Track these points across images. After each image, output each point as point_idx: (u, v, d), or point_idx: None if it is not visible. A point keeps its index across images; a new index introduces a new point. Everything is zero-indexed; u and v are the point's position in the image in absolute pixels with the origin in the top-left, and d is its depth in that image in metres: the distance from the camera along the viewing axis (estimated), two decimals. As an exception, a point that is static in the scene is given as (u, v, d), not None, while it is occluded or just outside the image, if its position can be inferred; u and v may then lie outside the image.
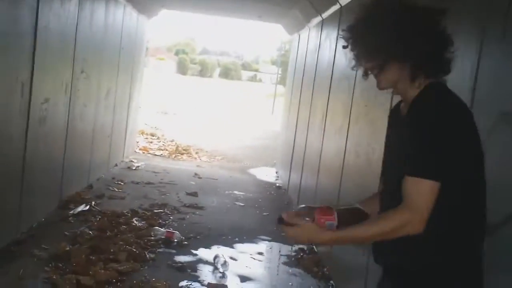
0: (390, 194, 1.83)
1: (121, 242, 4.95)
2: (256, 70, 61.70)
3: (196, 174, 9.05)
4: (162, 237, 5.28)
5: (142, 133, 11.83)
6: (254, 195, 7.94)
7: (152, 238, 5.27)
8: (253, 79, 57.86)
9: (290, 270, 4.93)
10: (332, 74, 5.53)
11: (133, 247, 4.90)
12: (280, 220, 1.88)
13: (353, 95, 4.54)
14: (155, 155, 10.84)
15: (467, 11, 2.65)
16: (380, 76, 1.85)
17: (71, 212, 5.70)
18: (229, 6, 8.58)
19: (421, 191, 1.67)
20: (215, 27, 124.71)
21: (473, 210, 1.77)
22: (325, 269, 4.89)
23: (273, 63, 46.58)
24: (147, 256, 4.80)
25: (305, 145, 6.92)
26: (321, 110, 6.02)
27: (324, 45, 6.29)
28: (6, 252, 4.42)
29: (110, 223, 5.52)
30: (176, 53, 61.32)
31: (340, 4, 5.44)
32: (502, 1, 2.34)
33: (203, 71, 59.91)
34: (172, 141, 12.38)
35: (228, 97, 29.37)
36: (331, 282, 4.65)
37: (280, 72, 37.72)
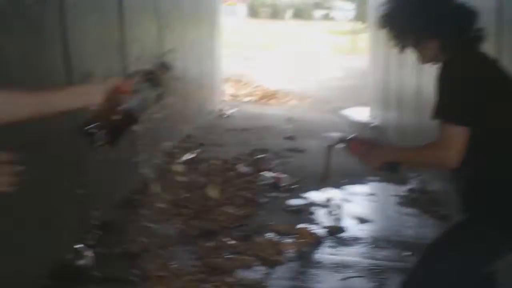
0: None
1: (232, 188, 5.02)
2: (329, 8, 60.19)
3: (288, 118, 8.99)
4: (271, 181, 5.30)
5: (228, 80, 11.84)
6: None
7: (261, 183, 5.30)
8: (326, 17, 56.58)
9: (406, 211, 4.83)
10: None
11: (245, 192, 4.95)
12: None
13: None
14: (244, 101, 10.85)
15: None
16: (419, 53, 2.11)
17: (178, 160, 5.81)
18: None
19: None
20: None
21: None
22: (443, 209, 4.76)
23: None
24: (260, 200, 4.84)
25: (401, 82, 6.67)
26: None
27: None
28: (129, 201, 4.57)
29: (218, 170, 5.59)
30: (247, -4, 60.62)
31: None
32: None
33: (275, 13, 59.11)
34: (258, 86, 12.33)
35: (303, 37, 28.91)
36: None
37: (355, 8, 36.47)
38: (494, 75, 2.04)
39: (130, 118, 1.55)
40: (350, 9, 39.88)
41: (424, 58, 2.14)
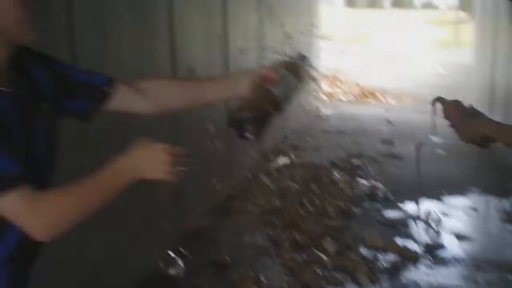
0: None
1: (326, 197, 4.94)
2: (431, -4, 58.11)
3: (386, 119, 8.73)
4: (367, 190, 5.17)
5: (324, 77, 11.68)
6: (454, 141, 7.44)
7: (356, 191, 5.18)
8: (427, 6, 54.63)
9: (510, 228, 4.55)
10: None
11: (339, 201, 4.86)
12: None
13: None
14: (341, 100, 10.68)
15: None
16: None
17: (272, 164, 5.81)
18: None
19: None
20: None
21: None
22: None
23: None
24: (355, 211, 4.74)
25: (509, 80, 6.27)
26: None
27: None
28: (221, 208, 4.61)
29: (312, 176, 5.53)
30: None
31: None
32: None
33: (373, 1, 57.76)
34: (355, 83, 12.09)
35: (402, 28, 28.05)
36: None
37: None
38: None
39: (277, 107, 1.53)
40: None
41: None
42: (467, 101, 2.13)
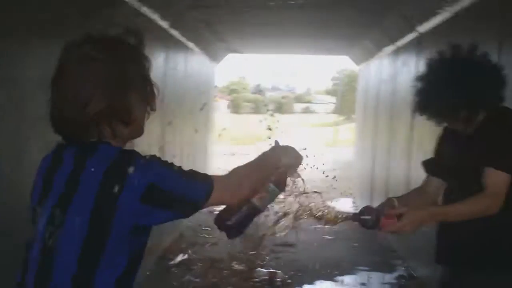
0: (463, 189, 2.21)
1: (229, 287, 5.07)
2: (309, 102, 61.87)
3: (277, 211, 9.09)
4: (266, 277, 5.37)
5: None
6: (339, 227, 7.89)
7: (257, 279, 5.36)
8: (306, 110, 58.01)
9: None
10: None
11: (241, 290, 5.01)
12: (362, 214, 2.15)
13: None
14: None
15: None
16: (469, 123, 2.23)
17: (171, 262, 5.87)
18: (299, 43, 8.75)
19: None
20: (265, 64, 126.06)
21: None
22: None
23: (328, 93, 46.72)
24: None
25: (387, 173, 6.92)
26: (404, 137, 6.02)
27: (401, 73, 6.34)
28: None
29: (212, 269, 5.65)
30: (229, 93, 62.22)
31: (419, 32, 5.51)
32: None
33: (257, 108, 60.43)
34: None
35: (285, 130, 29.53)
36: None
37: (335, 101, 37.73)
38: None
39: (258, 213, 1.80)
40: (330, 102, 41.15)
41: (470, 126, 2.25)
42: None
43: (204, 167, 9.25)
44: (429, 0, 4.78)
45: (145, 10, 4.97)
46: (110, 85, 1.49)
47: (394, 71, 6.71)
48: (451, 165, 2.35)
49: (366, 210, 2.17)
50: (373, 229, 2.14)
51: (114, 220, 1.45)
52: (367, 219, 2.13)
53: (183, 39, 6.78)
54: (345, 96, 32.96)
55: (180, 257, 6.04)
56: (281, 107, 60.13)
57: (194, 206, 1.56)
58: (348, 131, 11.33)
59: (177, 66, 6.61)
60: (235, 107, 57.75)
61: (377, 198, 7.56)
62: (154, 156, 1.54)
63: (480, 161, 2.16)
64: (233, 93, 62.51)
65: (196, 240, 6.93)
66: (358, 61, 9.74)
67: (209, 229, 7.68)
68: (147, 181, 1.46)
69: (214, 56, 9.42)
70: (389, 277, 5.43)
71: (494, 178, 2.11)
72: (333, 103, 39.18)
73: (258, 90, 69.71)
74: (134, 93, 1.55)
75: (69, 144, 1.55)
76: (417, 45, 5.59)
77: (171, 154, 6.38)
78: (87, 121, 1.48)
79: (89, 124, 1.49)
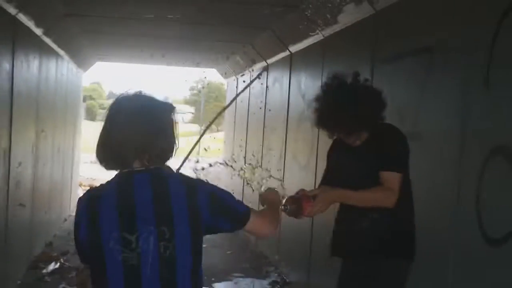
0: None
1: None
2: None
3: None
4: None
5: (81, 185, 11.73)
6: (210, 236, 8.13)
7: None
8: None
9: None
10: (287, 115, 5.96)
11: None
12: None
13: (318, 132, 4.93)
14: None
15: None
16: (353, 137, 2.65)
17: (44, 271, 5.71)
18: (168, 55, 8.86)
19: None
20: (120, 71, 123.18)
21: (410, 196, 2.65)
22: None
23: (186, 102, 46.89)
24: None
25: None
26: (278, 149, 6.37)
27: (273, 89, 6.72)
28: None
29: (87, 277, 5.58)
30: (84, 100, 60.02)
31: (290, 52, 5.91)
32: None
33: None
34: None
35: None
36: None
37: (193, 111, 37.99)
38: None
39: None
40: (188, 111, 41.27)
41: (355, 139, 2.66)
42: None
43: (71, 176, 9.02)
44: (302, 23, 5.14)
45: (21, 16, 4.85)
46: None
47: (266, 87, 7.08)
48: (342, 172, 2.73)
49: (287, 201, 2.52)
50: (297, 216, 2.54)
51: (202, 223, 1.81)
52: (291, 208, 2.51)
53: (54, 46, 6.63)
54: (205, 107, 33.40)
55: (52, 266, 5.89)
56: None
57: (244, 215, 1.91)
58: (212, 141, 11.58)
59: (49, 73, 6.45)
60: (90, 114, 55.89)
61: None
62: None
63: (374, 167, 2.56)
64: (87, 99, 60.37)
65: (68, 249, 6.76)
66: (226, 75, 10.06)
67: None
68: (209, 191, 1.86)
69: (82, 64, 9.25)
70: (263, 283, 5.73)
71: (388, 177, 2.53)
72: (192, 112, 39.46)
73: (114, 97, 67.84)
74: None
75: (133, 174, 1.80)
76: (290, 62, 5.98)
77: (42, 163, 6.20)
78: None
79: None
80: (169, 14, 5.92)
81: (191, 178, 1.89)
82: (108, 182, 1.82)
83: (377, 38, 3.90)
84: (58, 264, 5.99)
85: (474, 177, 2.56)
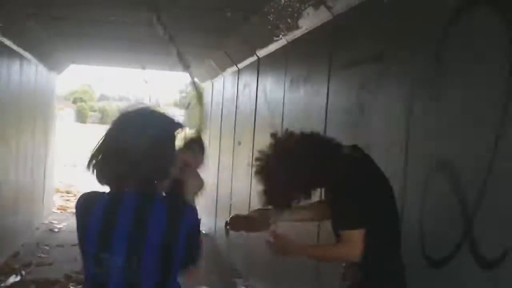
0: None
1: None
2: (158, 112, 61.42)
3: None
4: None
5: (58, 191, 11.54)
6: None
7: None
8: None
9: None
10: (255, 120, 5.82)
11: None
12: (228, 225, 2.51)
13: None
14: (73, 213, 10.53)
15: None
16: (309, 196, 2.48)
17: (3, 284, 5.53)
18: (142, 59, 8.71)
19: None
20: (111, 73, 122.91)
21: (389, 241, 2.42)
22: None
23: (176, 105, 46.79)
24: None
25: (231, 191, 7.10)
26: (247, 155, 6.23)
27: (243, 93, 6.59)
28: None
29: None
30: (74, 101, 59.78)
31: (258, 56, 5.78)
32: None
33: (104, 118, 58.75)
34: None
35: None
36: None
37: (183, 114, 37.97)
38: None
39: None
40: (179, 114, 41.19)
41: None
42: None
43: (43, 182, 8.82)
44: (267, 27, 5.03)
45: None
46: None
47: (236, 91, 6.95)
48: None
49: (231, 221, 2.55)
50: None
51: (174, 256, 1.81)
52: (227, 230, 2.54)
53: (18, 49, 6.46)
54: (192, 109, 33.32)
55: (12, 279, 5.71)
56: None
57: (195, 264, 1.90)
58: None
59: (11, 77, 6.27)
60: (80, 117, 55.62)
61: (221, 215, 7.73)
62: None
63: (334, 226, 2.45)
64: (78, 101, 60.20)
65: (31, 260, 6.58)
66: (202, 79, 9.90)
67: (47, 247, 7.36)
68: (189, 231, 1.82)
69: (55, 67, 9.06)
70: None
71: (348, 236, 2.36)
72: (182, 115, 39.45)
73: (105, 99, 67.93)
74: None
75: (124, 193, 1.81)
76: (258, 67, 5.86)
77: (5, 167, 6.03)
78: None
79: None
80: (140, 18, 5.76)
81: (178, 208, 1.83)
82: (102, 194, 1.85)
83: (334, 43, 3.77)
84: (19, 277, 5.80)
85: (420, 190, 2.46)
